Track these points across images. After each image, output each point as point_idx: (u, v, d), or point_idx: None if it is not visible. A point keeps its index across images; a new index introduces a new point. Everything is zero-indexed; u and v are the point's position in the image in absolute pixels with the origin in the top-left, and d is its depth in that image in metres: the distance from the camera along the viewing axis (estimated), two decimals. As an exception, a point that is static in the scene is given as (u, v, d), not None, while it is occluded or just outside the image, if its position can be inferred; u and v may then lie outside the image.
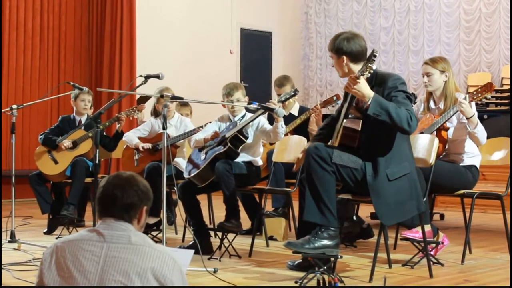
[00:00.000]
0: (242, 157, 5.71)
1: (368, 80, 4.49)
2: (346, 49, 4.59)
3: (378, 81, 4.52)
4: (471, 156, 5.41)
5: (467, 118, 5.18)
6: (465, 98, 5.20)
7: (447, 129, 5.36)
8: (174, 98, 5.04)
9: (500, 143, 5.73)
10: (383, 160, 4.41)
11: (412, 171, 4.51)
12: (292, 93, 5.97)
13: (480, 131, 5.24)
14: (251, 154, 5.79)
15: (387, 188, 4.38)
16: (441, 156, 5.37)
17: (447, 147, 5.41)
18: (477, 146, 5.46)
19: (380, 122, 4.28)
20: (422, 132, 5.34)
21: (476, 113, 5.27)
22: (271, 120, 5.74)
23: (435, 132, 5.31)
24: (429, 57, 5.83)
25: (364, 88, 4.31)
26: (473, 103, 5.26)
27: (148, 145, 6.69)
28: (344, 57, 4.60)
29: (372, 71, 4.44)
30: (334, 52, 4.65)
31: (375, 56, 4.38)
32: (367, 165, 4.41)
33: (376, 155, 4.42)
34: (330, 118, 5.00)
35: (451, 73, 5.48)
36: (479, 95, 5.29)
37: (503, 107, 11.52)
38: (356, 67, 4.58)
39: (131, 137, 6.81)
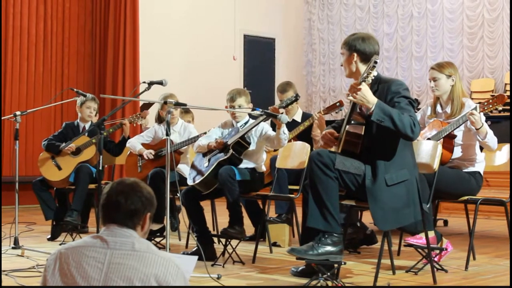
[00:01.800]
0: (245, 164, 5.72)
1: (371, 85, 4.51)
2: (359, 47, 4.62)
3: (381, 86, 4.53)
4: (477, 162, 5.41)
5: (476, 129, 5.18)
6: (475, 109, 5.19)
7: (454, 137, 5.36)
8: (177, 104, 5.05)
9: (504, 149, 5.72)
10: (383, 165, 4.40)
11: (411, 179, 4.49)
12: (294, 99, 5.96)
13: (490, 139, 5.23)
14: (253, 161, 5.79)
15: (384, 193, 4.38)
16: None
17: (458, 152, 5.39)
18: (481, 151, 5.47)
19: (383, 128, 4.29)
20: (429, 139, 5.34)
21: (485, 123, 5.25)
22: (274, 127, 5.73)
23: (442, 139, 5.31)
24: (434, 63, 5.84)
25: (367, 95, 4.31)
26: (481, 114, 5.25)
27: (151, 154, 6.67)
28: (355, 55, 4.62)
29: (373, 78, 4.46)
30: (347, 48, 4.66)
31: (376, 62, 4.39)
32: (367, 169, 4.41)
33: (376, 160, 4.42)
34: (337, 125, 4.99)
35: (457, 77, 5.48)
36: (490, 106, 5.27)
37: (506, 113, 11.50)
38: (363, 68, 4.58)
39: (135, 144, 6.82)
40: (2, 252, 5.50)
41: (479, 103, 5.36)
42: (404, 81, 5.05)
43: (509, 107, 11.40)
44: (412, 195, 4.49)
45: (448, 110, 5.48)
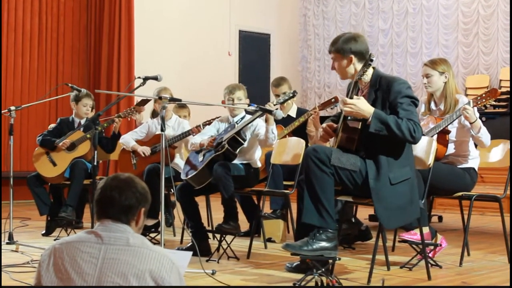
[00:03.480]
0: (240, 160, 5.73)
1: (372, 83, 4.50)
2: (355, 48, 4.54)
3: (383, 84, 4.49)
4: (472, 158, 5.41)
5: (470, 123, 5.18)
6: (468, 103, 5.20)
7: (448, 133, 5.36)
8: (172, 100, 5.03)
9: (499, 145, 5.73)
10: (386, 163, 4.39)
11: (413, 176, 4.51)
12: (291, 95, 5.97)
13: (484, 134, 5.24)
14: (247, 158, 5.80)
15: (389, 192, 4.37)
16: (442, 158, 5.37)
17: (451, 148, 5.40)
18: (476, 147, 5.48)
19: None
20: (423, 135, 5.34)
21: (479, 119, 5.26)
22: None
23: (436, 135, 5.31)
24: (429, 59, 5.84)
25: (363, 106, 4.30)
26: (475, 108, 5.25)
27: (147, 151, 6.62)
28: (353, 57, 4.55)
29: (366, 76, 4.47)
30: (342, 53, 4.55)
31: (371, 60, 4.38)
32: (369, 169, 4.39)
33: (379, 158, 4.40)
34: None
35: (451, 74, 5.47)
36: (483, 100, 5.27)
37: (501, 109, 11.53)
38: (360, 67, 4.55)
39: (128, 140, 6.78)
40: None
41: (472, 98, 5.36)
42: (400, 77, 5.04)
43: (504, 103, 11.44)
44: (414, 192, 4.49)
45: (442, 107, 5.48)
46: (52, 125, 7.41)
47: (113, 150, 7.12)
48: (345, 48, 4.55)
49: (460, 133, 5.39)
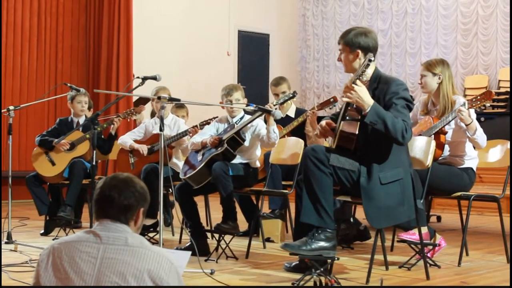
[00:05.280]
0: (239, 159, 5.73)
1: (371, 82, 4.51)
2: (364, 43, 4.56)
3: (381, 84, 4.51)
4: (469, 158, 5.41)
5: (466, 125, 5.18)
6: (463, 105, 5.19)
7: (445, 133, 5.36)
8: (171, 99, 5.03)
9: (497, 145, 5.74)
10: (378, 163, 4.41)
11: (406, 178, 4.49)
12: (291, 95, 5.97)
13: (480, 136, 5.24)
14: (247, 157, 5.80)
15: (378, 192, 4.38)
16: (439, 159, 5.37)
17: (446, 150, 5.40)
18: (474, 148, 5.48)
19: (376, 129, 4.31)
20: (420, 135, 5.34)
21: (475, 119, 5.26)
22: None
23: (433, 135, 5.31)
24: (428, 59, 5.83)
25: (363, 95, 4.31)
26: (472, 110, 5.25)
27: (145, 149, 6.60)
28: (360, 52, 4.57)
29: (366, 75, 4.47)
30: (350, 46, 4.58)
31: (370, 61, 4.39)
32: (362, 167, 4.41)
33: (371, 158, 4.42)
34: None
35: (446, 75, 5.44)
36: (478, 102, 5.27)
37: (500, 110, 11.53)
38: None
39: (126, 140, 6.74)
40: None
41: (468, 100, 5.36)
42: (398, 78, 5.04)
43: (503, 104, 11.44)
44: (407, 193, 4.49)
45: (439, 107, 5.48)
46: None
47: (109, 151, 7.10)
48: (354, 42, 4.57)
49: (456, 134, 5.39)
